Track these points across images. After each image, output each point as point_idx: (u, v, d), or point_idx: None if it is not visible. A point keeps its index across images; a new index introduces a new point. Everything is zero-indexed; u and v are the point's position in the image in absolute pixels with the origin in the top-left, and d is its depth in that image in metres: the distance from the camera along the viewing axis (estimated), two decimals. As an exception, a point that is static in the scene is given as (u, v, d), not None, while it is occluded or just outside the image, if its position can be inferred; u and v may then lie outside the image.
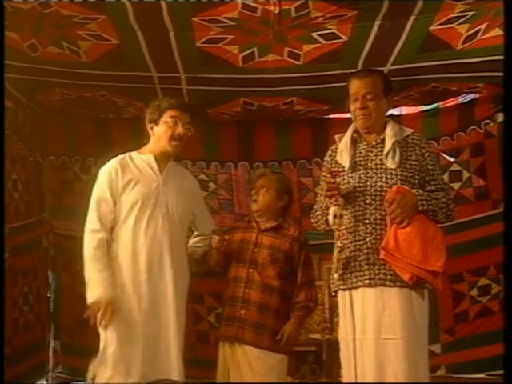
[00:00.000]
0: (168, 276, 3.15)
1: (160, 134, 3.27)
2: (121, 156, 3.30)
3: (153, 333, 3.09)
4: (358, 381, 2.86)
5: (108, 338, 3.06)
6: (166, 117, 3.25)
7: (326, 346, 4.40)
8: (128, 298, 3.11)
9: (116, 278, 3.12)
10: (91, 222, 3.18)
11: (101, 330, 3.08)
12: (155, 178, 3.25)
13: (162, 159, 3.29)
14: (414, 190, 2.89)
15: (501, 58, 3.28)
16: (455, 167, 4.74)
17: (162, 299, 3.14)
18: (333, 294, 3.12)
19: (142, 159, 3.28)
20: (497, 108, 4.51)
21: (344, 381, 3.02)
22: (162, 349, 3.10)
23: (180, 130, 3.24)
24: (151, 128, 3.30)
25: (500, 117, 4.47)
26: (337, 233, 2.97)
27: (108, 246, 3.16)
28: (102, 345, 3.07)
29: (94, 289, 3.07)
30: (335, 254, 2.99)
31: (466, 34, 3.45)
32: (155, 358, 3.08)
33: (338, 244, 2.95)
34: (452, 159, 4.77)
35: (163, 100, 3.36)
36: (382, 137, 3.03)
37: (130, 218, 3.17)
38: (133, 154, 3.33)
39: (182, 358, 3.13)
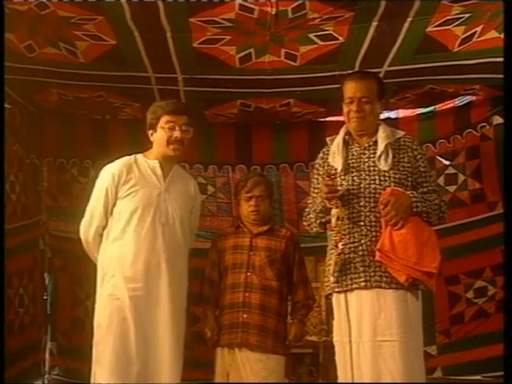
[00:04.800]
0: (164, 285, 3.16)
1: (158, 139, 3.31)
2: (127, 157, 3.33)
3: (146, 338, 3.10)
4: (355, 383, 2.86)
5: (103, 341, 3.05)
6: (162, 123, 3.28)
7: (323, 348, 4.38)
8: (123, 302, 3.11)
9: (113, 283, 3.14)
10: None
11: (95, 332, 3.08)
12: (158, 186, 3.28)
13: (166, 164, 3.33)
14: (409, 192, 2.91)
15: (497, 59, 3.31)
16: (451, 170, 4.74)
17: (157, 306, 3.14)
18: (329, 297, 3.12)
19: (148, 164, 3.31)
20: (493, 111, 4.51)
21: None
22: (157, 353, 3.10)
23: (177, 134, 3.28)
24: (151, 134, 3.34)
25: (496, 119, 4.48)
26: (338, 235, 2.96)
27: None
28: (96, 347, 3.07)
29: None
30: (333, 256, 2.97)
31: (463, 36, 3.45)
32: (149, 361, 3.09)
33: (340, 246, 2.94)
34: (448, 162, 4.76)
35: (158, 105, 3.39)
36: (374, 139, 3.05)
37: (129, 225, 3.20)
38: (139, 156, 3.36)
39: (175, 361, 3.14)
